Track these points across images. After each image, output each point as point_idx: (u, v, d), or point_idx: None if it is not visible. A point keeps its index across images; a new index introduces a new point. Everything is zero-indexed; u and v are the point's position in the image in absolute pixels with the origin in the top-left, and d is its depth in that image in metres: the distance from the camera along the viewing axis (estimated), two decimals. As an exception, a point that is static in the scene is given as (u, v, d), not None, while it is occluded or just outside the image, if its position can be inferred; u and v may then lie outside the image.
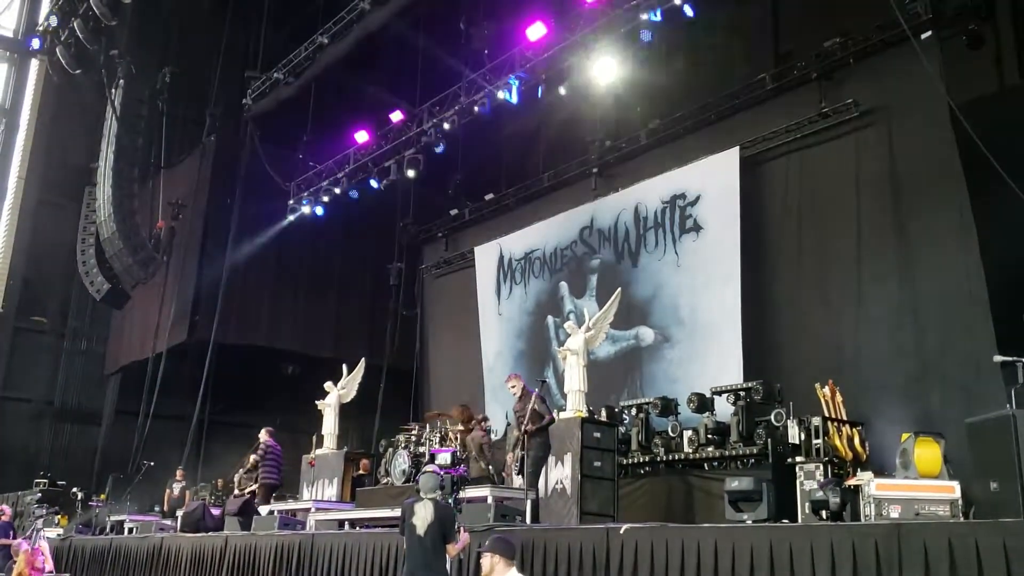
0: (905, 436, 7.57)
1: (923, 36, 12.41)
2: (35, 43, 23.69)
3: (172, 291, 21.92)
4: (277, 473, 14.25)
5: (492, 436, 12.79)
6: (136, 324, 23.58)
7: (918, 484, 7.01)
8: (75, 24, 20.68)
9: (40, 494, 19.12)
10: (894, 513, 6.68)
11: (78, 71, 22.18)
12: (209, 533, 13.25)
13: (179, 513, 14.95)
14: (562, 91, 15.22)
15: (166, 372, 21.11)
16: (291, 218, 20.91)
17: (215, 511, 14.26)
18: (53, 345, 24.83)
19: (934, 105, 12.24)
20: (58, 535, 16.68)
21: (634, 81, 16.04)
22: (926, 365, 12.29)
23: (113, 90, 21.42)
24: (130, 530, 15.61)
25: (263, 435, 14.60)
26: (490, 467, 11.49)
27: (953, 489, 6.85)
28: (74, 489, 18.96)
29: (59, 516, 18.31)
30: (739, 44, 16.12)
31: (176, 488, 16.72)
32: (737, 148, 15.11)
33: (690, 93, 16.49)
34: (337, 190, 19.64)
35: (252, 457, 14.43)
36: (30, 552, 7.97)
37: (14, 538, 14.09)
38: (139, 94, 21.45)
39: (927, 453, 7.31)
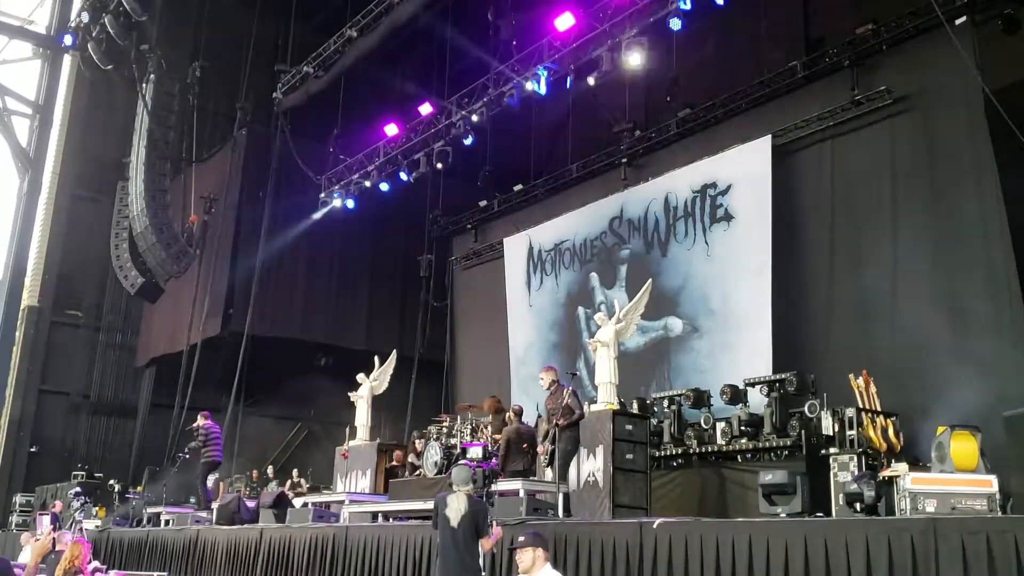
0: (941, 429, 7.46)
1: (957, 21, 12.26)
2: (67, 39, 23.95)
3: (205, 284, 22.11)
4: (219, 452, 15.36)
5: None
6: (169, 317, 23.80)
7: (954, 478, 6.92)
8: (106, 20, 20.86)
9: (78, 486, 19.39)
10: (930, 507, 6.61)
11: (109, 67, 22.39)
12: (244, 525, 13.38)
13: (214, 505, 15.12)
14: (591, 81, 15.12)
15: (200, 365, 21.34)
16: (322, 211, 21.01)
17: (250, 503, 14.39)
18: (89, 339, 25.12)
19: (969, 91, 12.07)
20: (96, 527, 16.92)
21: (664, 70, 15.94)
22: (962, 356, 12.11)
23: (144, 85, 21.58)
24: (166, 522, 15.79)
25: (201, 420, 14.93)
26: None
27: (990, 483, 6.76)
28: (111, 481, 19.23)
29: (96, 508, 18.57)
30: (770, 31, 15.96)
31: (211, 480, 16.88)
32: (769, 137, 15.00)
33: (721, 81, 16.37)
34: (367, 183, 19.70)
35: (195, 443, 15.17)
36: (81, 546, 7.87)
37: (57, 530, 14.29)
38: (170, 89, 21.57)
39: (963, 447, 7.20)
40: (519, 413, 11.87)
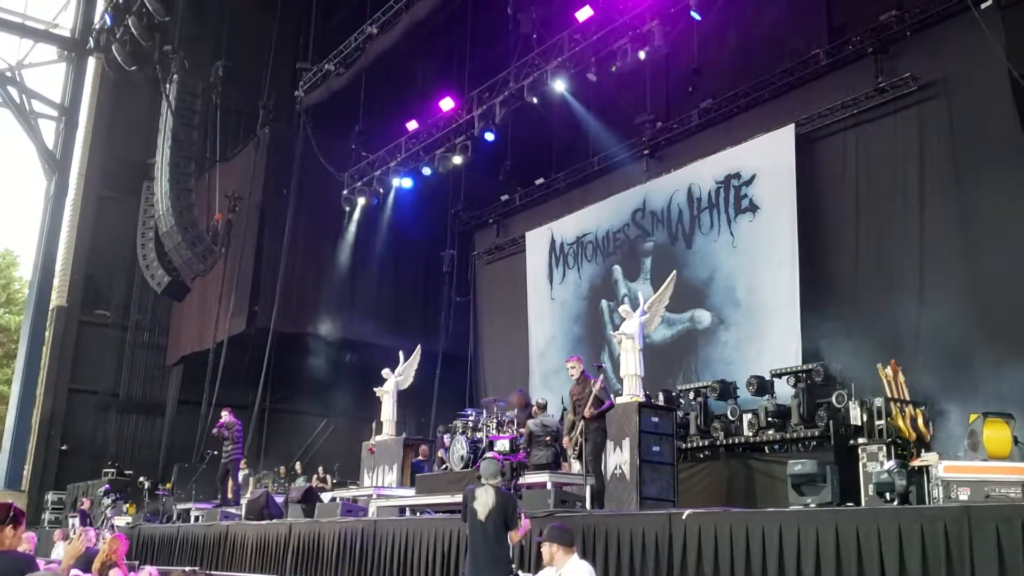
0: (973, 417, 7.40)
1: (983, 5, 12.09)
2: (91, 42, 24.14)
3: (231, 282, 22.26)
4: (242, 448, 15.93)
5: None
6: (196, 315, 24.00)
7: (988, 466, 6.85)
8: (129, 21, 21.06)
9: (108, 483, 19.59)
10: (963, 495, 6.55)
11: (133, 68, 22.58)
12: (273, 520, 13.45)
13: (243, 501, 15.21)
14: (613, 69, 15.03)
15: (227, 362, 21.51)
16: (345, 208, 21.10)
17: (278, 499, 14.47)
18: (117, 338, 25.33)
19: (996, 76, 11.92)
20: (127, 523, 17.09)
21: (685, 60, 15.83)
22: (992, 343, 12.00)
23: (168, 85, 21.76)
24: (196, 518, 15.92)
25: (227, 416, 15.01)
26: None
27: (1025, 471, 6.69)
28: (141, 478, 19.40)
29: (127, 505, 18.75)
30: (792, 19, 15.84)
31: (240, 476, 16.98)
32: (792, 126, 14.89)
33: (743, 71, 16.26)
34: (391, 179, 19.76)
35: (220, 432, 15.27)
36: (120, 541, 7.89)
37: (88, 525, 14.45)
38: (193, 89, 21.73)
39: (997, 434, 7.13)
40: (543, 406, 11.84)
